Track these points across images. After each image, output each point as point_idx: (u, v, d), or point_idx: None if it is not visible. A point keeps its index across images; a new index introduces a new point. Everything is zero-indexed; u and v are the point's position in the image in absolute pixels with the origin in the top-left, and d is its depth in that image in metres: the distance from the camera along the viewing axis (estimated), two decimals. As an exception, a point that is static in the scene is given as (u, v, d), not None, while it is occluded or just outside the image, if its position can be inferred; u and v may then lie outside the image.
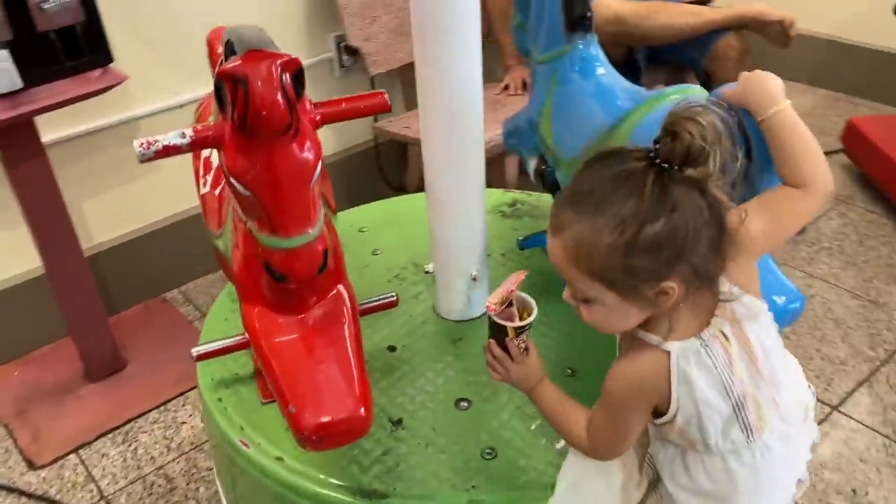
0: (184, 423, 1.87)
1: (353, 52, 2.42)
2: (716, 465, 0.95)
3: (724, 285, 0.91)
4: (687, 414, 0.90)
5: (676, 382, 0.89)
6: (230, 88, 0.78)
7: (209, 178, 1.24)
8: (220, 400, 1.30)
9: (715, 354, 0.89)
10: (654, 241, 0.82)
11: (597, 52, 1.43)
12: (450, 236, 1.38)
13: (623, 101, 1.30)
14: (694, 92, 1.23)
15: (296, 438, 1.01)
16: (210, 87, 0.84)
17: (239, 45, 0.84)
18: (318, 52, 2.44)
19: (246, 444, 1.21)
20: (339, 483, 1.13)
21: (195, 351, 1.29)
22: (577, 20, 1.42)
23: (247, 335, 1.10)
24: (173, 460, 1.77)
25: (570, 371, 1.29)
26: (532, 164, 1.61)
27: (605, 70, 1.41)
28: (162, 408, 1.92)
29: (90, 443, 1.83)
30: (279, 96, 0.78)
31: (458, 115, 1.27)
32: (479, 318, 1.44)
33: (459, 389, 1.28)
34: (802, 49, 2.70)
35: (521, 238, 1.57)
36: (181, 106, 2.22)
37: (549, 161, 1.53)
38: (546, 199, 1.81)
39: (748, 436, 0.92)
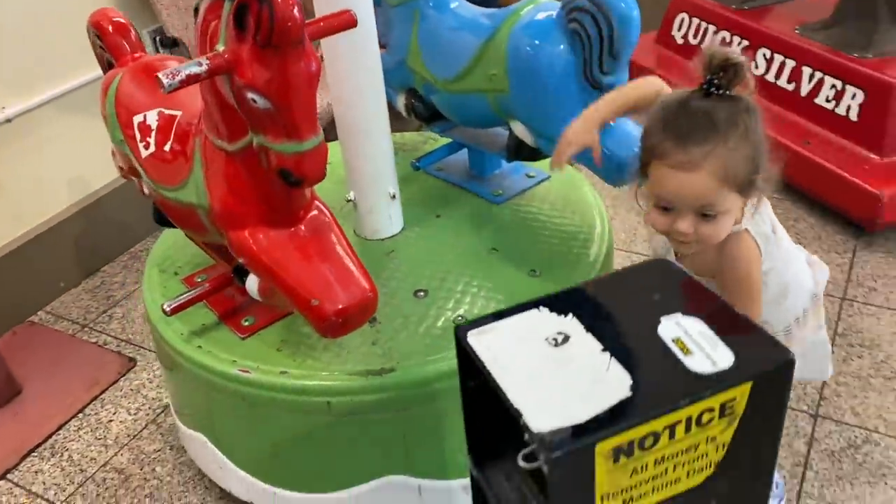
0: (110, 420, 1.86)
1: (173, 43, 2.45)
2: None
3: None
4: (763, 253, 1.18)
5: (760, 241, 1.17)
6: (255, 10, 0.91)
7: (152, 140, 1.31)
8: (199, 347, 1.38)
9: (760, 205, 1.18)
10: (761, 139, 1.09)
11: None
12: (365, 162, 1.56)
13: (486, 19, 1.56)
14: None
15: (320, 328, 1.16)
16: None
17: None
18: (135, 50, 2.44)
19: (247, 371, 1.32)
20: (351, 371, 1.28)
21: (167, 305, 1.37)
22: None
23: (244, 261, 1.22)
24: (116, 454, 1.77)
25: (533, 271, 1.51)
26: (401, 101, 1.83)
27: (457, 2, 1.66)
28: (80, 415, 1.88)
29: (16, 466, 1.76)
30: (296, 11, 0.93)
31: (359, 49, 1.46)
32: (400, 232, 1.64)
33: (412, 285, 1.48)
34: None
35: (414, 160, 1.79)
36: (9, 120, 2.14)
37: (422, 89, 1.76)
38: (409, 136, 2.03)
39: (777, 235, 1.24)
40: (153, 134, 1.31)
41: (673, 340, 0.63)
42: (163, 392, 1.93)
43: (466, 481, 1.37)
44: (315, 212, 1.22)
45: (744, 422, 0.62)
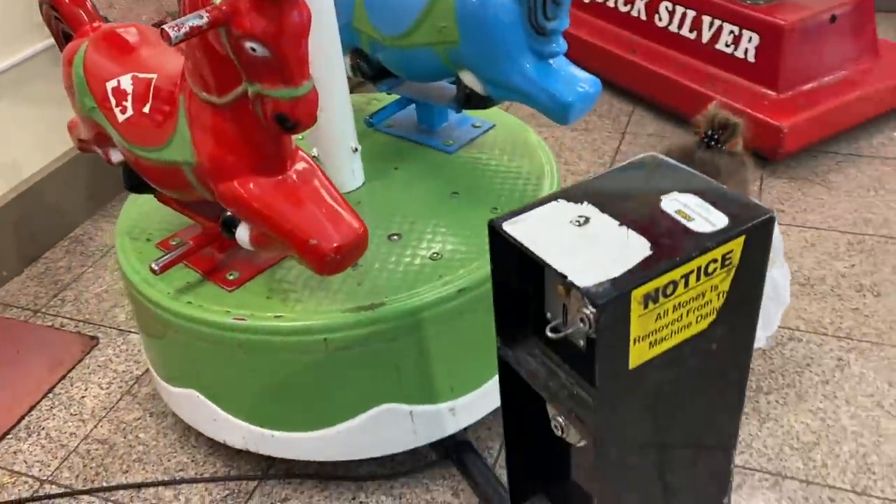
0: (83, 396, 1.87)
1: (96, 22, 2.42)
2: None
3: None
4: None
5: None
6: (255, -39, 0.98)
7: (128, 103, 1.34)
8: (189, 303, 1.44)
9: None
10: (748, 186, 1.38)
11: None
12: (326, 117, 1.63)
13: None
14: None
15: (319, 266, 1.24)
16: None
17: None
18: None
19: (242, 319, 1.38)
20: (343, 309, 1.37)
21: (155, 264, 1.42)
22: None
23: (236, 212, 1.28)
24: (96, 426, 1.79)
25: (495, 209, 1.63)
26: (347, 62, 1.90)
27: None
28: (50, 395, 1.88)
29: (-8, 449, 1.76)
30: (293, -40, 1.00)
31: (315, 8, 1.52)
32: (363, 185, 1.72)
33: (385, 230, 1.57)
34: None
35: (367, 117, 1.87)
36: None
37: (368, 49, 1.84)
38: (353, 98, 2.10)
39: None
40: (129, 98, 1.34)
41: (676, 212, 0.77)
42: (133, 365, 1.95)
43: (452, 403, 1.50)
44: (299, 160, 1.30)
45: (738, 271, 0.76)
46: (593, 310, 0.69)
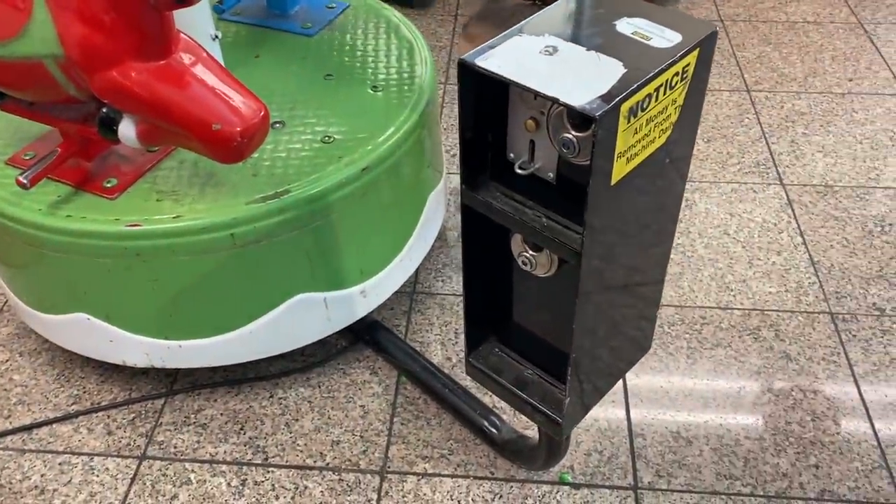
0: (-69, 350, 1.66)
1: None
2: None
3: None
4: None
5: None
6: None
7: (-40, -8, 1.15)
8: (69, 216, 1.30)
9: None
10: None
11: None
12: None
13: None
14: None
15: (225, 152, 1.17)
16: None
17: None
18: None
19: (136, 224, 1.28)
20: (247, 201, 1.31)
21: (23, 177, 1.27)
22: None
23: (119, 104, 1.16)
24: (-43, 377, 1.60)
25: (375, 88, 1.58)
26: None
27: None
28: None
29: None
30: None
31: None
32: (226, 77, 1.62)
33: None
34: None
35: (217, 4, 1.73)
36: None
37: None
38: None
39: None
40: (-41, -14, 1.15)
41: (633, 34, 0.81)
42: (-17, 306, 1.75)
43: (363, 286, 1.51)
44: (183, 41, 1.19)
45: (691, 83, 0.82)
46: (581, 134, 0.73)
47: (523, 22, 0.84)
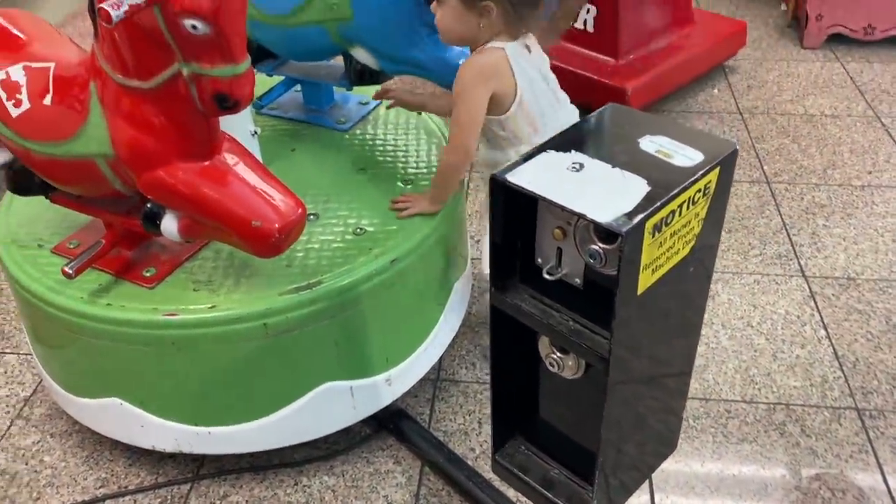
0: (-36, 429, 1.69)
1: None
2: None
3: (536, 24, 1.43)
4: (527, 91, 1.41)
5: (516, 68, 1.39)
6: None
7: (23, 96, 1.23)
8: (109, 304, 1.35)
9: (524, 50, 1.43)
10: None
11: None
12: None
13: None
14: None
15: (263, 248, 1.22)
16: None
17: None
18: None
19: (173, 314, 1.33)
20: (280, 291, 1.35)
21: (69, 268, 1.33)
22: None
23: (165, 201, 1.22)
24: (-12, 458, 1.63)
25: (405, 182, 1.66)
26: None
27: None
28: (-79, 434, 1.68)
29: None
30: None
31: None
32: (262, 169, 1.69)
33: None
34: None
35: (256, 100, 1.82)
36: None
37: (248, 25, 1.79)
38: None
39: (559, 105, 1.50)
40: (24, 90, 1.23)
41: (656, 151, 0.85)
42: (17, 387, 1.79)
43: (388, 374, 1.53)
44: (227, 142, 1.26)
45: (713, 198, 0.86)
46: (608, 246, 0.77)
47: (550, 138, 0.89)
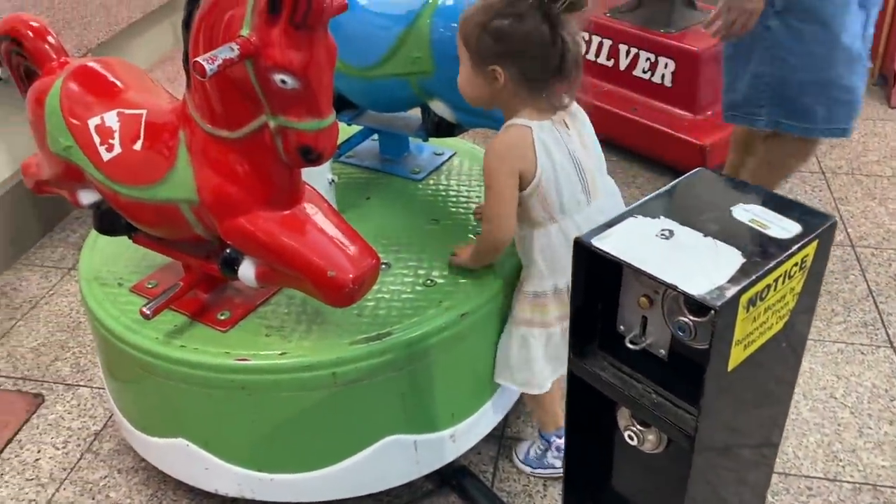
0: (37, 459, 1.72)
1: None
2: (558, 236, 1.36)
3: (564, 99, 1.34)
4: (548, 175, 1.31)
5: (540, 149, 1.31)
6: (291, -8, 0.97)
7: (115, 141, 1.28)
8: (183, 346, 1.37)
9: (560, 131, 1.34)
10: (496, 30, 1.26)
11: (350, -17, 1.77)
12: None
13: (402, 8, 1.67)
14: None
15: (337, 297, 1.22)
16: None
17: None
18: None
19: (245, 359, 1.33)
20: (350, 341, 1.35)
21: (147, 309, 1.35)
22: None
23: (244, 248, 1.24)
24: (58, 490, 1.65)
25: (434, 220, 1.67)
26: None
27: (366, -1, 1.75)
28: (-4, 462, 1.73)
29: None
30: (328, -8, 0.99)
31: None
32: (337, 216, 1.71)
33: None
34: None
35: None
36: None
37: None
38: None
39: (587, 197, 1.37)
40: (116, 135, 1.28)
41: (750, 221, 0.82)
42: (89, 420, 1.82)
43: (453, 430, 1.50)
44: (307, 191, 1.27)
45: (809, 272, 0.82)
46: (698, 319, 0.73)
47: (639, 202, 0.86)
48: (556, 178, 1.32)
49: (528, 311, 1.43)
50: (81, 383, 1.93)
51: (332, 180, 1.66)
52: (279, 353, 1.34)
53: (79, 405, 1.87)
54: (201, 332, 1.40)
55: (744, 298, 0.74)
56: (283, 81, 1.04)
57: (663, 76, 2.74)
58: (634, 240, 0.81)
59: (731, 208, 0.84)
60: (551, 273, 1.39)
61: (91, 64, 1.37)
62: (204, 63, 0.97)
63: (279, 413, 1.38)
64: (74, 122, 1.31)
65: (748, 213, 0.83)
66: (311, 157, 1.11)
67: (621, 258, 0.78)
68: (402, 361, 1.38)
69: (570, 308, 0.88)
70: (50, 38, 1.39)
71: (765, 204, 0.85)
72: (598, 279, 0.87)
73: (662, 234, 0.81)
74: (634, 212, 0.85)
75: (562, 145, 1.33)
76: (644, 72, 2.79)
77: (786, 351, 0.87)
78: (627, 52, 2.83)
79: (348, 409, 1.39)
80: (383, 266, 1.54)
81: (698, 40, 2.68)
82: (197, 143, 1.20)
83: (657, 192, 0.88)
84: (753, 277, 0.74)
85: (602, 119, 2.78)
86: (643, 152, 2.77)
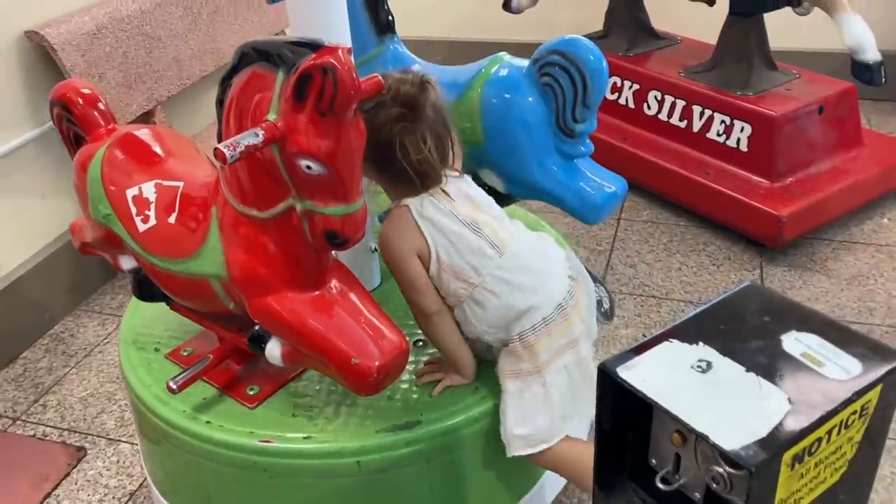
0: (73, 516, 1.72)
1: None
2: (487, 296, 1.28)
3: (441, 179, 1.28)
4: (444, 246, 1.26)
5: (423, 224, 1.26)
6: (318, 79, 0.93)
7: (151, 213, 1.27)
8: (208, 423, 1.33)
9: (440, 199, 1.28)
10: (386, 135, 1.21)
11: (405, 48, 1.75)
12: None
13: (453, 78, 1.63)
14: (503, 57, 1.63)
15: (360, 386, 1.16)
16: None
17: (270, 47, 0.98)
18: (47, 120, 2.31)
19: (268, 441, 1.28)
20: (378, 428, 1.28)
21: (174, 383, 1.32)
22: (385, 23, 1.72)
23: (270, 327, 1.20)
24: (88, 551, 1.64)
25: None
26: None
27: (418, 65, 1.72)
28: (34, 515, 1.73)
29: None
30: (356, 79, 0.95)
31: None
32: (380, 285, 1.65)
33: (409, 335, 1.48)
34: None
35: (381, 214, 1.81)
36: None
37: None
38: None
39: (497, 251, 1.28)
40: (152, 207, 1.27)
41: (802, 355, 0.72)
42: (126, 479, 1.81)
43: (485, 524, 1.40)
44: (337, 271, 1.23)
45: (871, 420, 0.71)
46: (734, 471, 0.64)
47: (676, 323, 0.77)
48: (453, 246, 1.27)
49: (509, 363, 1.32)
50: (123, 438, 1.93)
51: (375, 248, 1.61)
52: (303, 436, 1.29)
53: (118, 461, 1.86)
54: (228, 408, 1.36)
55: (787, 456, 0.63)
56: (309, 167, 1.00)
57: (739, 140, 2.60)
58: (666, 370, 0.72)
59: (782, 337, 0.74)
60: (502, 321, 1.29)
61: (136, 132, 1.37)
62: (225, 150, 0.94)
63: (301, 498, 1.33)
64: (113, 190, 1.30)
65: (801, 344, 0.73)
66: (337, 241, 1.06)
67: (649, 395, 0.69)
68: (431, 452, 1.30)
69: (596, 431, 0.79)
70: (100, 105, 1.40)
71: (822, 334, 0.74)
72: (627, 405, 0.78)
73: (699, 367, 0.71)
74: (668, 335, 0.76)
75: (445, 212, 1.28)
76: (719, 135, 2.66)
77: (845, 500, 0.76)
78: (701, 114, 2.71)
79: (373, 499, 1.32)
80: (420, 343, 1.48)
81: (777, 103, 2.54)
82: (227, 220, 1.17)
83: (697, 310, 0.79)
84: (800, 430, 0.64)
85: (672, 182, 2.74)
86: (715, 219, 2.63)
